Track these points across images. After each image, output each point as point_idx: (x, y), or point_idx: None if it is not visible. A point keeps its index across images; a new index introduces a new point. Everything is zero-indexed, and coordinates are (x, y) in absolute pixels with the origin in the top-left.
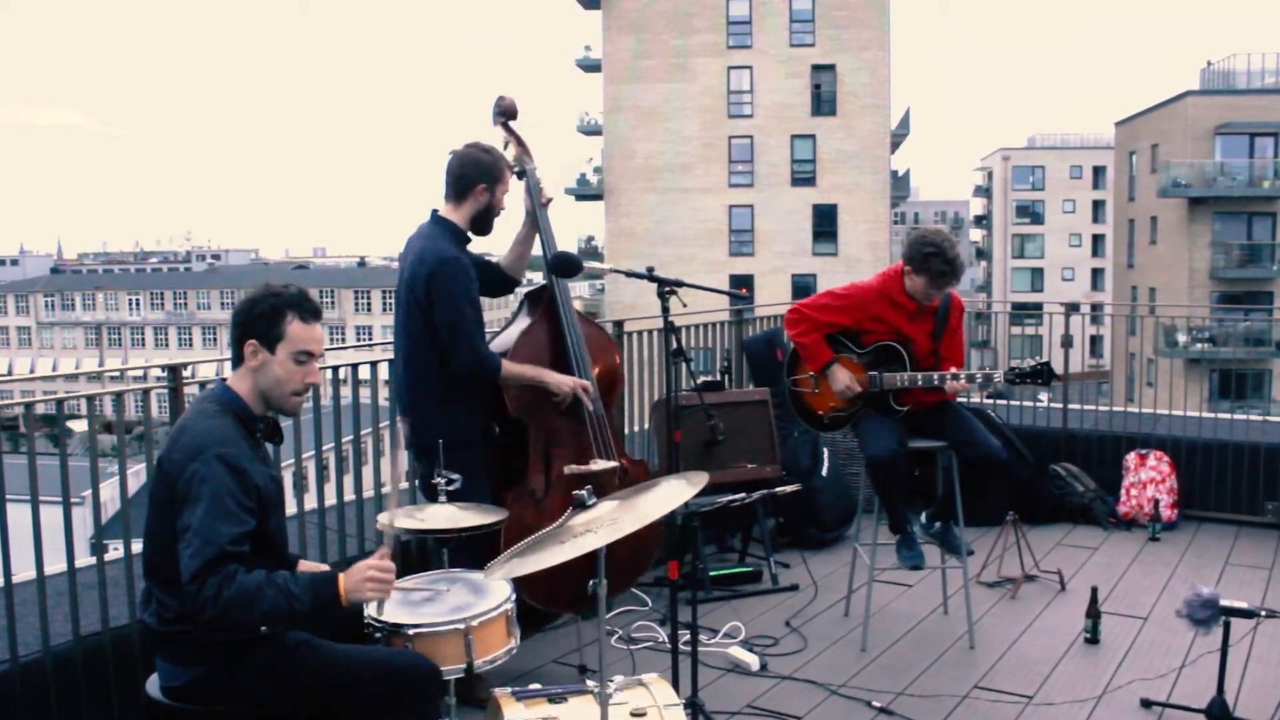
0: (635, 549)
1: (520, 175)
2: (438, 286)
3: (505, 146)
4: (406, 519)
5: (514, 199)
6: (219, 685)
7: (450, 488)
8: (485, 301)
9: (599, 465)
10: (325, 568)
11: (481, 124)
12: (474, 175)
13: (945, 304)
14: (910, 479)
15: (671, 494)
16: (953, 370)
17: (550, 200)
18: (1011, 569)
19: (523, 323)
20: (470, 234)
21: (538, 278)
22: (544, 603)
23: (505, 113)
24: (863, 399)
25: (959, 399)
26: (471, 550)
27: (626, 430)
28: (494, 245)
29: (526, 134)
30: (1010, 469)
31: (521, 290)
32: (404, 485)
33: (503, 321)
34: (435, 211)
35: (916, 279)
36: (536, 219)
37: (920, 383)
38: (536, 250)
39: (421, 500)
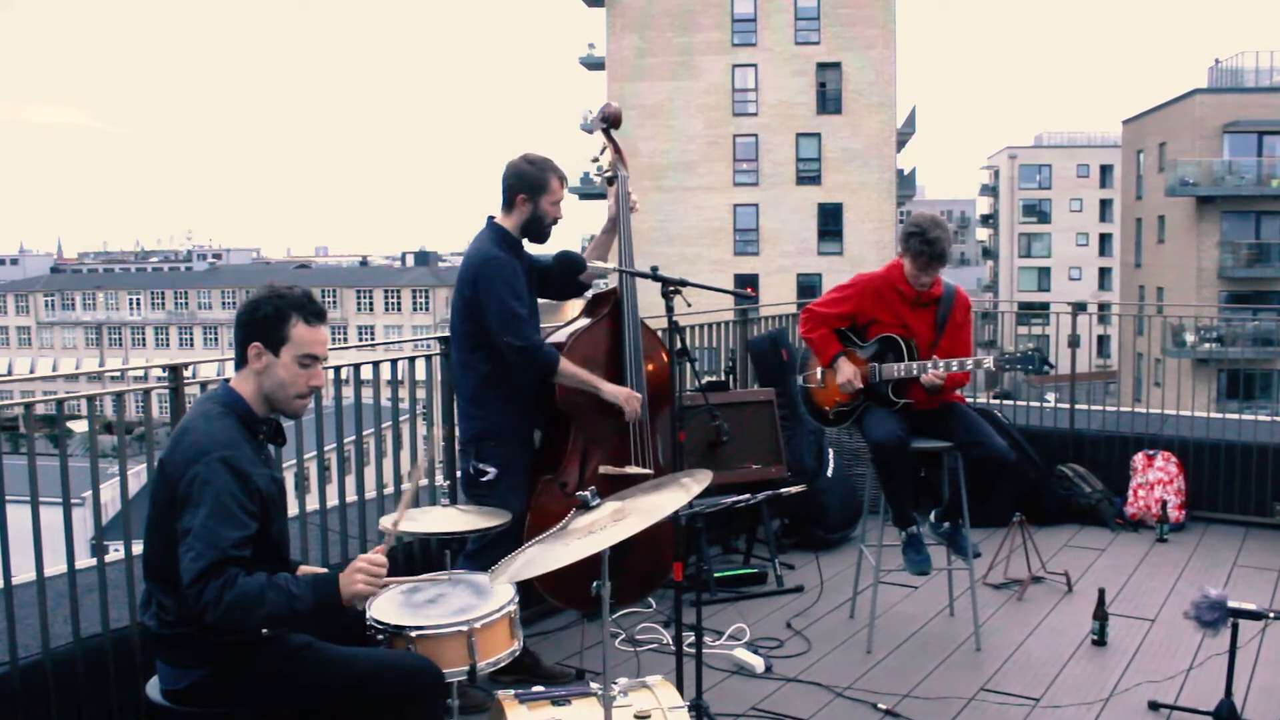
0: (654, 558)
1: (611, 181)
2: (483, 284)
3: (603, 151)
4: (405, 523)
5: (572, 205)
6: (220, 688)
7: (484, 479)
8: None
9: (633, 470)
10: (325, 571)
11: (484, 122)
12: (515, 186)
13: (949, 298)
14: (916, 476)
15: (675, 495)
16: (934, 359)
17: (635, 207)
18: (1018, 570)
19: (583, 322)
20: (525, 239)
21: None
22: (557, 598)
23: (609, 119)
24: (864, 393)
25: (965, 399)
26: (487, 558)
27: None
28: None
29: (530, 133)
30: (1018, 470)
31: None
32: (421, 482)
33: (553, 308)
34: (491, 218)
35: (905, 261)
36: (619, 226)
37: (915, 372)
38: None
39: (461, 493)
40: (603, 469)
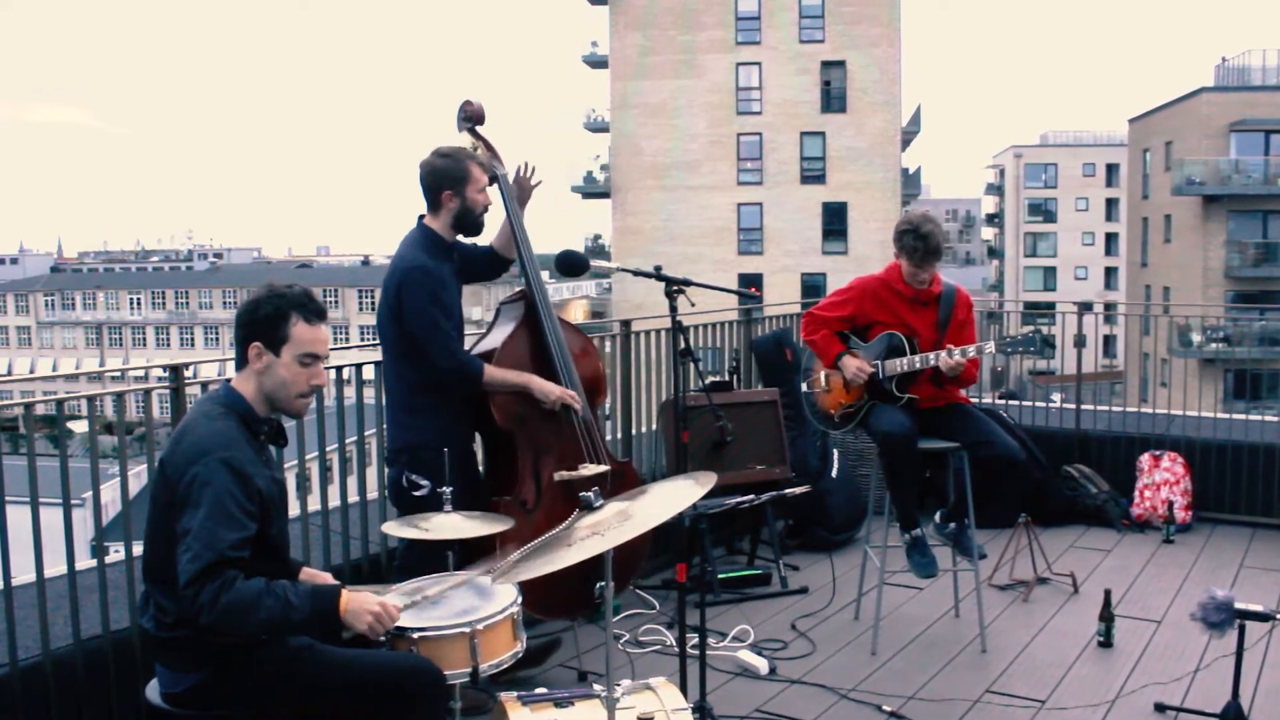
0: (628, 550)
1: (492, 180)
2: (406, 295)
3: (475, 152)
4: (409, 528)
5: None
6: (220, 691)
7: (417, 493)
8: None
9: (589, 470)
10: (328, 576)
11: (487, 120)
12: (437, 184)
13: (950, 297)
14: (921, 474)
15: (679, 495)
16: (949, 348)
17: (533, 183)
18: (1024, 572)
19: (504, 329)
20: (458, 238)
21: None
22: (542, 612)
23: (471, 118)
24: (870, 390)
25: (970, 399)
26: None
27: (634, 431)
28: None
29: (533, 131)
30: (1026, 469)
31: (566, 289)
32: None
33: (484, 325)
34: (421, 218)
35: (901, 260)
36: (511, 226)
37: (918, 364)
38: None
39: (390, 504)
40: (558, 476)
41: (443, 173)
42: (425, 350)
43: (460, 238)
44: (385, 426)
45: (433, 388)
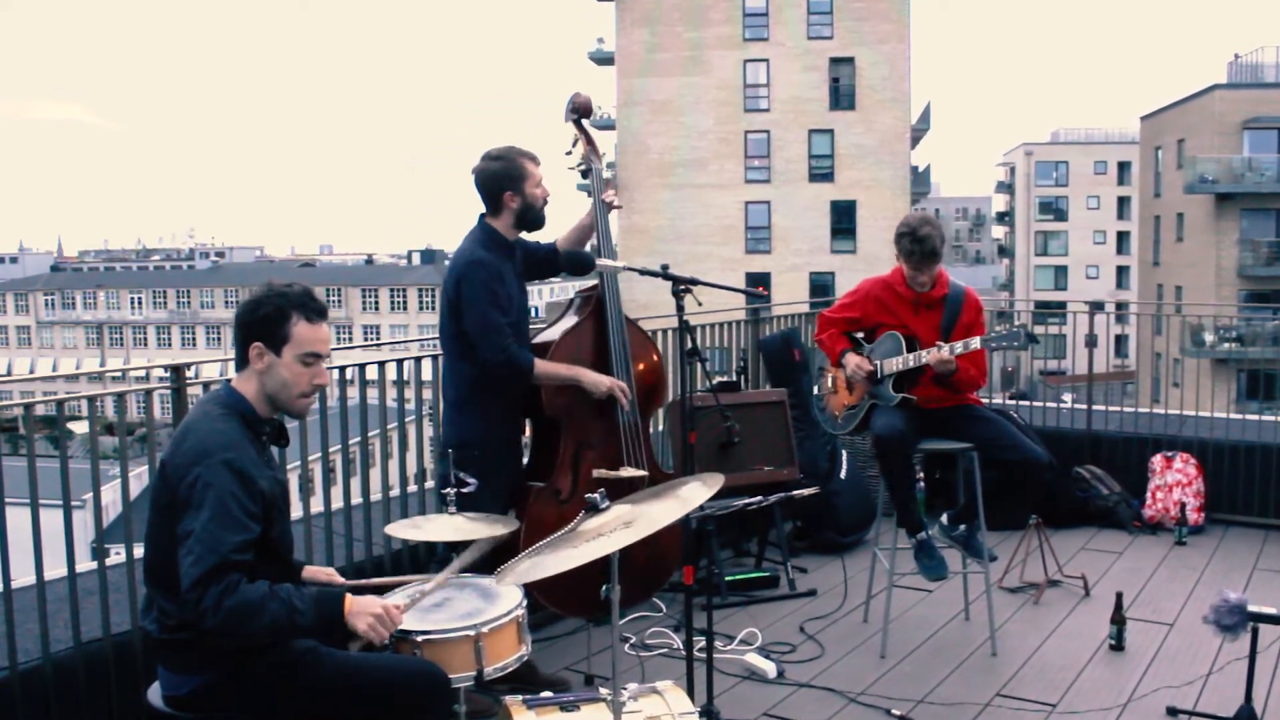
0: (654, 558)
1: (585, 174)
2: (464, 290)
3: (575, 143)
4: (411, 530)
5: (561, 184)
6: (222, 694)
7: (465, 490)
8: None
9: (628, 472)
10: (332, 572)
11: (492, 119)
12: (496, 186)
13: (957, 300)
14: (915, 476)
15: (686, 497)
16: (938, 344)
17: (616, 205)
18: (1034, 574)
19: (569, 320)
20: (524, 231)
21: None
22: (558, 606)
23: (578, 110)
24: (870, 386)
25: (981, 400)
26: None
27: None
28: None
29: (537, 130)
30: (1047, 472)
31: (573, 288)
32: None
33: (559, 308)
34: (482, 216)
35: (901, 263)
36: (596, 221)
37: (912, 362)
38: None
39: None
40: (596, 473)
41: (500, 175)
42: (477, 345)
43: (523, 234)
44: (441, 423)
45: (487, 385)
